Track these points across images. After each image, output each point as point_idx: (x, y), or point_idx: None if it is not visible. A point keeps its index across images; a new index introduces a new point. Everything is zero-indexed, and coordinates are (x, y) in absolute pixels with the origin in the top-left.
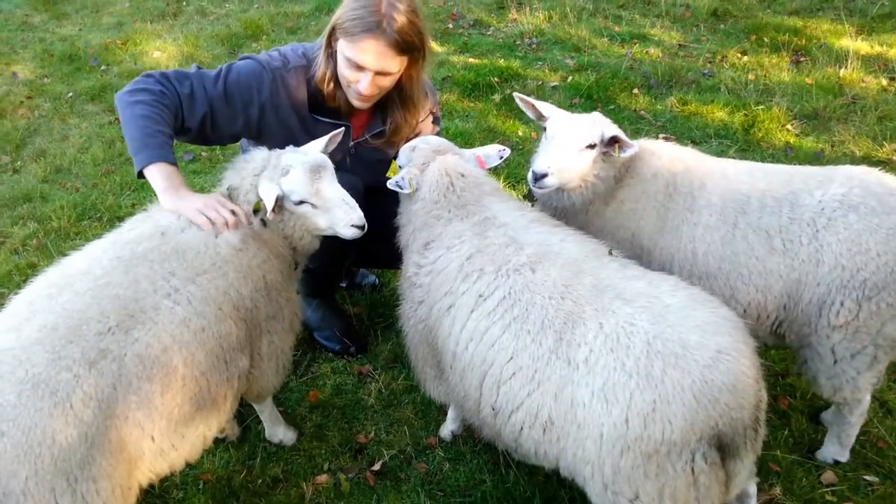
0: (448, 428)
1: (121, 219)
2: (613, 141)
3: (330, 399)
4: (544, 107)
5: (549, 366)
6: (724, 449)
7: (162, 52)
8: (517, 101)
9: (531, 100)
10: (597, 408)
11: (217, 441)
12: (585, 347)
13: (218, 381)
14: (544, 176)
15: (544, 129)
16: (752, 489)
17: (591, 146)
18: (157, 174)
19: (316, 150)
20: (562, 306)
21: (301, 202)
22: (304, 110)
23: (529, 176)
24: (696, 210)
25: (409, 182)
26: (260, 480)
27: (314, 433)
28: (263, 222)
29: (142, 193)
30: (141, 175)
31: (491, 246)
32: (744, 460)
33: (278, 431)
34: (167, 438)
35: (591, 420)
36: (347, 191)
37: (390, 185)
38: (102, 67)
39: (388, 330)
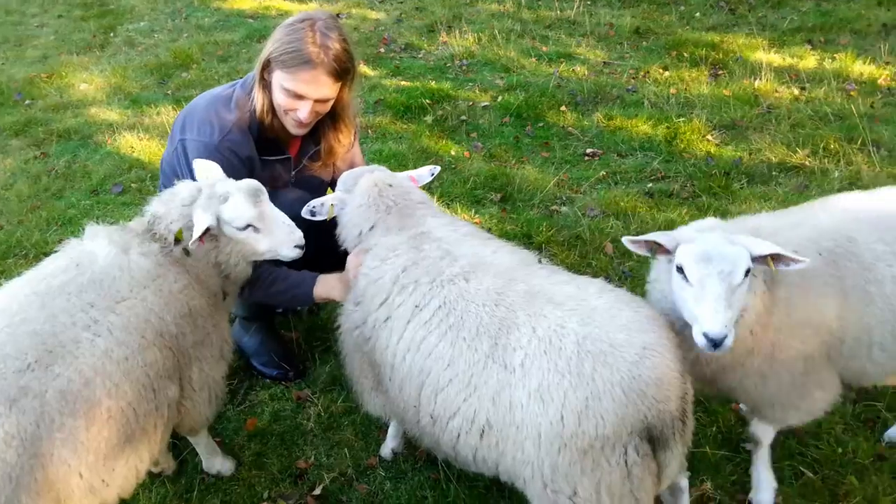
0: (388, 446)
1: (48, 254)
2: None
3: (268, 426)
4: (662, 237)
5: (485, 370)
6: (654, 441)
7: (89, 85)
8: (628, 245)
9: (646, 237)
10: (534, 408)
11: (153, 476)
12: (521, 351)
13: (146, 411)
14: (724, 337)
15: (679, 269)
16: (684, 483)
17: (747, 272)
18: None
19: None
20: (496, 313)
21: (246, 227)
22: (256, 159)
23: (702, 341)
24: (872, 269)
25: (327, 208)
26: None
27: (253, 461)
28: (186, 251)
29: (69, 228)
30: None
31: (426, 259)
32: (673, 451)
33: (215, 462)
34: (96, 474)
35: (528, 421)
36: (297, 202)
37: (304, 212)
38: (27, 102)
39: (327, 353)
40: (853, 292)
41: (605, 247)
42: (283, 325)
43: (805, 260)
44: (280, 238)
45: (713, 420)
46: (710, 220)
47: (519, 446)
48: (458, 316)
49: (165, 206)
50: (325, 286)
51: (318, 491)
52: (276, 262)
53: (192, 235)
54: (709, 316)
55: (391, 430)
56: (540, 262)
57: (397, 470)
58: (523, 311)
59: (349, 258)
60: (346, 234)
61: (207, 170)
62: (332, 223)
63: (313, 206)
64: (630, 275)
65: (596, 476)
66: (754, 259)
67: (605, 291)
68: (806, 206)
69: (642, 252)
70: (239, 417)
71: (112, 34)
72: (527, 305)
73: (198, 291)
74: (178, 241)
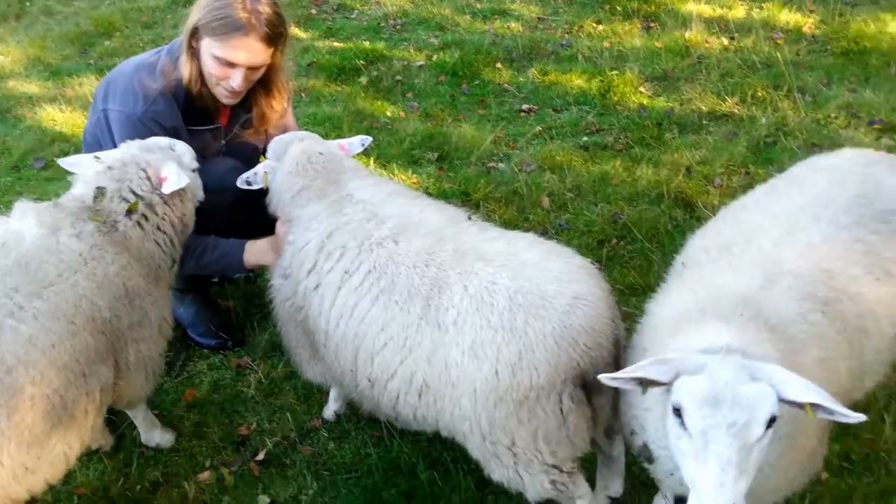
0: (331, 409)
1: None
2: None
3: (208, 396)
4: (655, 369)
5: (419, 332)
6: (588, 387)
7: (5, 57)
8: (607, 382)
9: (633, 372)
10: (468, 365)
11: (90, 453)
12: (453, 310)
13: (75, 397)
14: None
15: (677, 411)
16: (618, 425)
17: (771, 422)
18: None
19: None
20: (427, 273)
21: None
22: (182, 129)
23: None
24: None
25: (261, 177)
26: (139, 486)
27: (193, 432)
28: (139, 224)
29: None
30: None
31: (351, 222)
32: (607, 395)
33: (154, 435)
34: (19, 462)
35: (464, 378)
36: (230, 171)
37: (239, 183)
38: None
39: (265, 320)
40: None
41: (541, 201)
42: (219, 295)
43: (861, 417)
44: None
45: None
46: (724, 332)
47: (456, 403)
48: (388, 279)
49: (106, 178)
50: (256, 252)
51: (261, 456)
52: (205, 232)
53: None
54: (710, 490)
55: (333, 394)
56: (469, 218)
57: (341, 430)
58: (454, 270)
59: (277, 225)
60: (276, 201)
61: (76, 163)
62: (263, 191)
63: (247, 177)
64: (567, 227)
65: (532, 425)
66: (784, 402)
67: (535, 245)
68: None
69: (627, 387)
70: (177, 389)
71: (28, 3)
72: (457, 264)
73: (136, 270)
74: (131, 212)
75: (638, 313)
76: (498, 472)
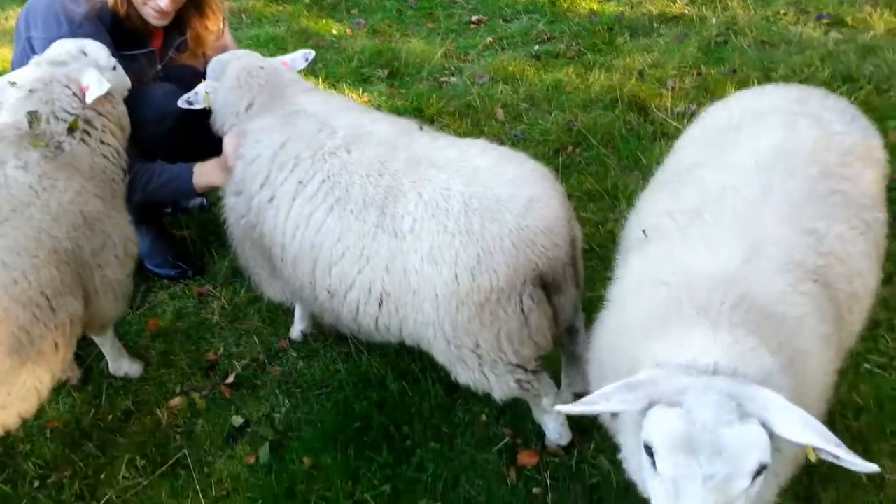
0: (297, 329)
1: None
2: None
3: (172, 325)
4: (621, 397)
5: (376, 241)
6: (547, 287)
7: None
8: (567, 412)
9: (595, 405)
10: (428, 271)
11: (58, 387)
12: (409, 217)
13: (43, 333)
14: None
15: (647, 451)
16: (579, 323)
17: (761, 470)
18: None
19: None
20: (381, 182)
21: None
22: (115, 55)
23: None
24: None
25: (202, 96)
26: (110, 416)
27: (161, 361)
28: (84, 141)
29: None
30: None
31: (304, 133)
32: (567, 294)
33: (122, 365)
34: None
35: (424, 284)
36: (168, 96)
37: (180, 103)
38: None
39: (223, 248)
40: None
41: (495, 113)
42: (173, 225)
43: (873, 468)
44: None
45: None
46: (710, 341)
47: (418, 310)
48: (343, 189)
49: (35, 100)
50: (204, 174)
51: (230, 379)
52: (150, 158)
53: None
54: None
55: (298, 313)
56: (421, 129)
57: (309, 350)
58: (408, 178)
59: (225, 140)
60: (221, 119)
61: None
62: (206, 114)
63: (188, 98)
64: (522, 137)
65: (495, 327)
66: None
67: (487, 151)
68: None
69: (592, 413)
70: (140, 320)
71: None
72: (411, 172)
73: (91, 192)
74: (73, 129)
75: (596, 219)
76: (464, 375)
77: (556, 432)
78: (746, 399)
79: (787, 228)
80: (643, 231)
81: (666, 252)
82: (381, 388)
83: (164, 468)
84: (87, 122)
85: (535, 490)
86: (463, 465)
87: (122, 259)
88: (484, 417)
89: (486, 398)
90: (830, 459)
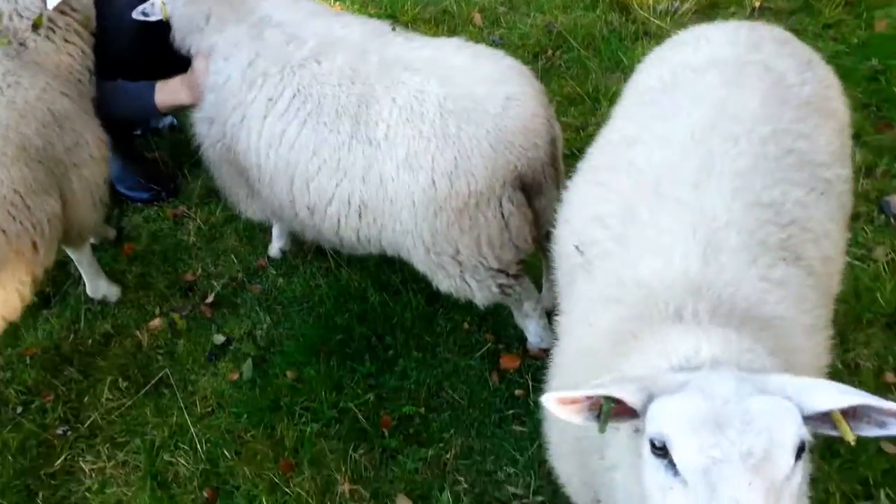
0: (275, 246)
1: None
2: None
3: (148, 248)
4: (620, 387)
5: (351, 152)
6: (527, 189)
7: None
8: (551, 407)
9: (586, 390)
10: (404, 178)
11: (35, 312)
12: (383, 125)
13: (20, 231)
14: None
15: (658, 449)
16: None
17: (801, 451)
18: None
19: None
20: (353, 90)
21: None
22: None
23: None
24: None
25: (159, 7)
26: (90, 340)
27: (138, 283)
28: (49, 38)
29: None
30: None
31: (271, 47)
32: (548, 196)
33: (100, 286)
34: None
35: (401, 192)
36: (127, 9)
37: (135, 15)
38: None
39: (197, 167)
40: None
41: (473, 18)
42: (144, 146)
43: None
44: None
45: None
46: (696, 336)
47: (396, 219)
48: (315, 101)
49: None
50: (168, 92)
51: (210, 299)
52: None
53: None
54: None
55: (275, 231)
56: (394, 29)
57: (288, 266)
58: (380, 84)
59: (195, 63)
60: (181, 33)
61: None
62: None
63: (143, 8)
64: (500, 42)
65: (475, 232)
66: (809, 419)
67: (462, 49)
68: None
69: (577, 419)
70: (115, 245)
71: None
72: (383, 77)
73: (58, 90)
74: (37, 26)
75: (577, 123)
76: (445, 282)
77: (537, 336)
78: (760, 382)
79: (739, 206)
80: (577, 247)
81: (608, 267)
82: (362, 301)
83: (147, 388)
84: (51, 20)
85: (517, 392)
86: (446, 372)
87: (97, 159)
88: (466, 325)
89: (468, 306)
90: (872, 433)
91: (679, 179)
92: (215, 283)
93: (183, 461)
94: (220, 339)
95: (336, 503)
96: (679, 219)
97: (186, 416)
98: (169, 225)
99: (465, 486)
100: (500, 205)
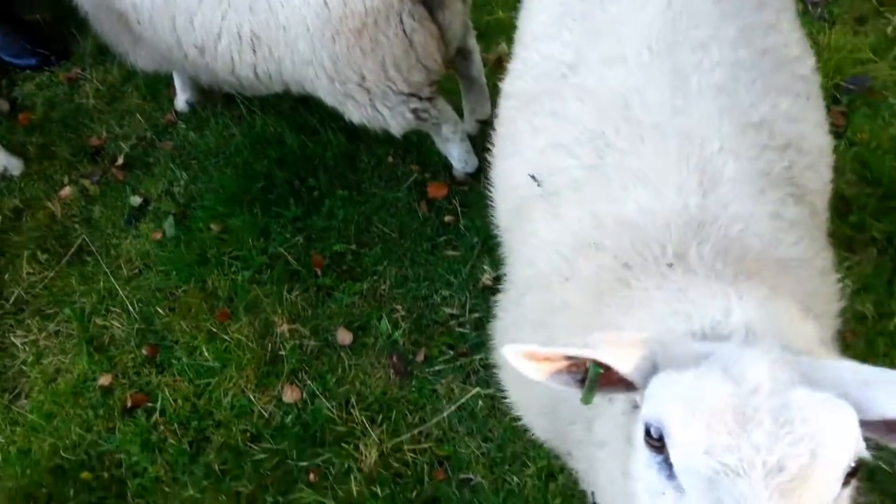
0: (181, 100)
1: None
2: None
3: (45, 116)
4: (609, 352)
5: None
6: (428, 2)
7: None
8: (523, 368)
9: (572, 348)
10: (295, 2)
11: None
12: None
13: None
14: None
15: (655, 440)
16: (473, 43)
17: (853, 474)
18: None
19: None
20: None
21: None
22: None
23: None
24: None
25: None
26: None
27: (41, 154)
28: None
29: None
30: None
31: None
32: (452, 8)
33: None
34: None
35: (292, 17)
36: None
37: None
38: None
39: (84, 26)
40: None
41: None
42: (24, 10)
43: None
44: None
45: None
46: (724, 296)
47: (293, 48)
48: None
49: None
50: None
51: (120, 161)
52: None
53: None
54: None
55: (178, 82)
56: None
57: (198, 120)
58: None
59: None
60: None
61: None
62: None
63: None
64: None
65: (378, 54)
66: (866, 426)
67: None
68: None
69: (552, 383)
70: (8, 117)
71: None
72: None
73: None
74: None
75: None
76: (357, 113)
77: (461, 160)
78: (808, 369)
79: (730, 129)
80: (532, 177)
81: (582, 207)
82: (280, 145)
83: (68, 257)
84: None
85: (446, 219)
86: (374, 207)
87: None
88: (390, 158)
89: (390, 139)
90: None
91: (651, 103)
92: (123, 145)
93: (117, 324)
94: (136, 200)
95: (277, 343)
96: (662, 147)
97: (114, 281)
98: (64, 90)
99: (403, 312)
100: (401, 21)
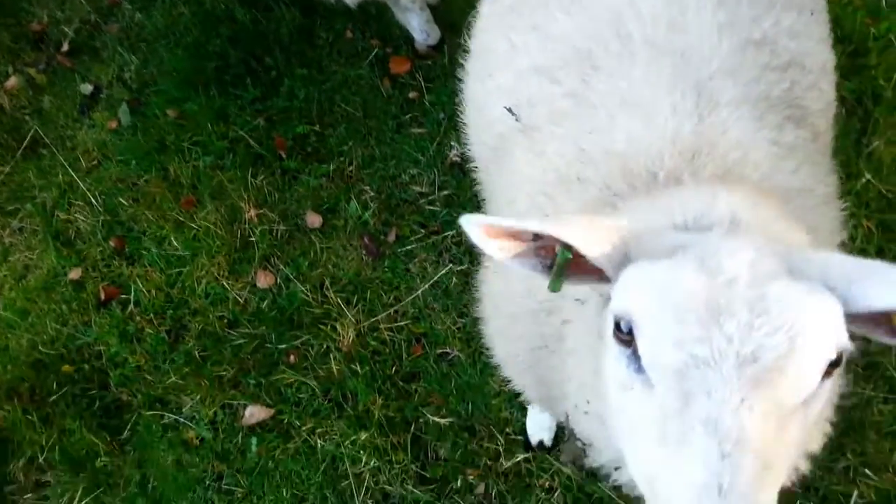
0: None
1: None
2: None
3: None
4: (576, 232)
5: None
6: None
7: None
8: (476, 238)
9: (543, 225)
10: None
11: None
12: None
13: None
14: None
15: (626, 333)
16: None
17: (835, 365)
18: None
19: None
20: None
21: None
22: None
23: None
24: None
25: None
26: None
27: None
28: None
29: None
30: None
31: None
32: None
33: None
34: None
35: None
36: None
37: None
38: None
39: None
40: None
41: None
42: None
43: None
44: None
45: None
46: (708, 199)
47: None
48: None
49: None
50: None
51: (65, 47)
52: None
53: None
54: None
55: None
56: None
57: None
58: None
59: None
60: None
61: None
62: None
63: None
64: None
65: None
66: (854, 320)
67: None
68: None
69: (515, 264)
70: None
71: None
72: None
73: None
74: None
75: None
76: None
77: (422, 31)
78: (793, 259)
79: (729, 47)
80: (509, 110)
81: (566, 140)
82: (232, 22)
83: (22, 151)
84: None
85: (410, 95)
86: (335, 86)
87: None
88: (349, 33)
89: (348, 13)
90: None
91: (645, 15)
92: (67, 30)
93: (81, 217)
94: (87, 88)
95: (246, 229)
96: (656, 67)
97: (73, 173)
98: None
99: (372, 193)
100: None
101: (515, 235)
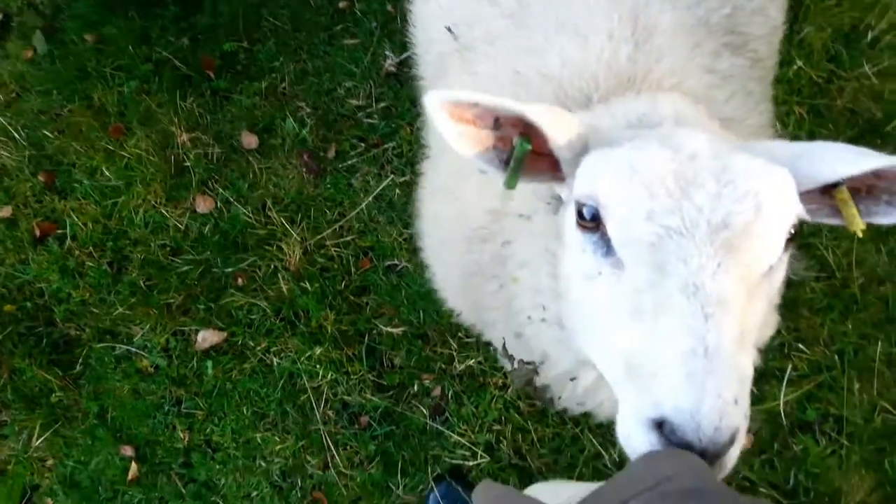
0: None
1: None
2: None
3: None
4: (543, 113)
5: None
6: None
7: None
8: (435, 117)
9: (508, 104)
10: None
11: None
12: None
13: None
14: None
15: (589, 220)
16: None
17: (793, 237)
18: None
19: None
20: None
21: None
22: None
23: (653, 439)
24: None
25: None
26: None
27: None
28: None
29: None
30: None
31: None
32: None
33: None
34: None
35: None
36: None
37: None
38: None
39: None
40: None
41: None
42: None
43: None
44: None
45: None
46: (652, 102)
47: None
48: None
49: None
50: None
51: None
52: None
53: None
54: (679, 377)
55: None
56: None
57: None
58: None
59: None
60: None
61: None
62: None
63: None
64: None
65: None
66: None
67: None
68: None
69: (472, 153)
70: None
71: None
72: None
73: None
74: None
75: None
76: None
77: None
78: (742, 146)
79: None
80: (448, 29)
81: (499, 61)
82: None
83: None
84: None
85: (341, 5)
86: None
87: None
88: None
89: None
90: (889, 218)
91: None
92: None
93: (5, 153)
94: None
95: (180, 154)
96: None
97: None
98: None
99: (308, 109)
100: None
101: (477, 119)
